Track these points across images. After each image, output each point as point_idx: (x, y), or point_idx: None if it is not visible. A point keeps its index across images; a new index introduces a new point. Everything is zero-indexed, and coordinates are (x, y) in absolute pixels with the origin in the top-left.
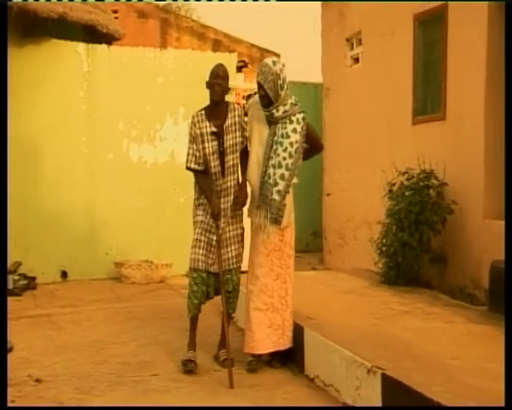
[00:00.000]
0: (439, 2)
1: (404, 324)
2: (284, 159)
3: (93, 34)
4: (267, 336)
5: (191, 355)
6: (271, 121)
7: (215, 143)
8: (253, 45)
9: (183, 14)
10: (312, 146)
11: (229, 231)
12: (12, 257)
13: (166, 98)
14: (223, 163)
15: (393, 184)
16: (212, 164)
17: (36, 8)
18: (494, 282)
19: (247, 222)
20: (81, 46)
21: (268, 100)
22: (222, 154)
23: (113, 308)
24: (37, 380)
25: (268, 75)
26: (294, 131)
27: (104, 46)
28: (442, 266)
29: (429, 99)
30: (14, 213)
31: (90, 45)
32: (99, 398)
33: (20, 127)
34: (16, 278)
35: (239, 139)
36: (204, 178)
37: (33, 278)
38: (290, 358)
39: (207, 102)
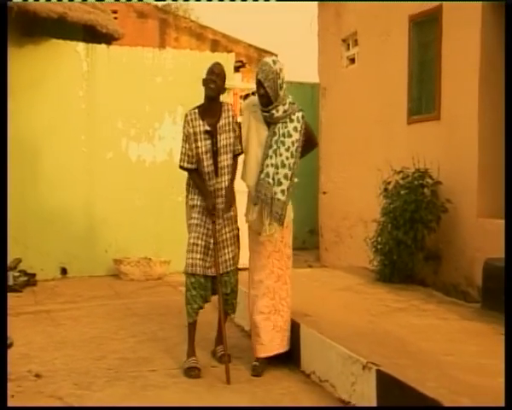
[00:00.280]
0: (434, 4)
1: (398, 320)
2: (287, 158)
3: (92, 34)
4: (273, 339)
5: (194, 362)
6: (270, 122)
7: (208, 142)
8: (250, 45)
9: (181, 14)
10: (308, 143)
11: (226, 233)
12: (12, 254)
13: (165, 98)
14: (216, 163)
15: (389, 183)
16: (205, 163)
17: (36, 8)
18: (487, 280)
19: (241, 222)
20: (80, 46)
21: (267, 99)
22: (215, 153)
23: (111, 305)
24: (37, 375)
25: (268, 74)
26: (295, 129)
27: (103, 46)
28: (436, 264)
29: (424, 99)
30: (14, 211)
31: (90, 45)
32: (98, 393)
33: (19, 126)
34: (16, 274)
35: (233, 140)
36: (199, 176)
37: (33, 275)
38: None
39: None
